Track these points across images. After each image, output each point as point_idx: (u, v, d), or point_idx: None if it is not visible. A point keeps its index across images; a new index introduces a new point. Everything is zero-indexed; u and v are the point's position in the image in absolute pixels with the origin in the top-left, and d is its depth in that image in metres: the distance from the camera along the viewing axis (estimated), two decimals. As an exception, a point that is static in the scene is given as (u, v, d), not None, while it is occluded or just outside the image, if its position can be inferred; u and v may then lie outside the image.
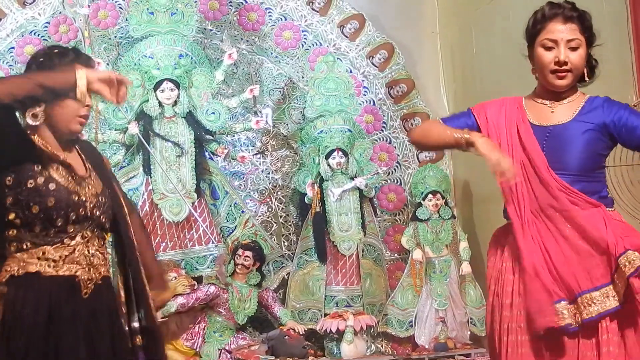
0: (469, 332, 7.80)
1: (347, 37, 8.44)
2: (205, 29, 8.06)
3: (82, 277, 3.19)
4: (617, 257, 3.30)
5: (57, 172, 3.20)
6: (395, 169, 8.47)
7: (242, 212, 7.96)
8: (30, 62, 3.35)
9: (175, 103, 7.48)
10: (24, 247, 3.14)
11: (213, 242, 7.54)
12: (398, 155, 8.47)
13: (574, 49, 3.45)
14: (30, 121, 3.19)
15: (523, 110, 3.67)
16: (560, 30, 3.45)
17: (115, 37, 7.86)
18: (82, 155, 3.41)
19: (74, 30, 7.67)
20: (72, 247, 3.20)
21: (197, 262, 7.52)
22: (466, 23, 8.57)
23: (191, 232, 7.52)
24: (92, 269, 3.24)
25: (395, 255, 8.35)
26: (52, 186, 3.16)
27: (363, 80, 8.44)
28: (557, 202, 3.42)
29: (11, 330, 3.05)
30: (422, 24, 9.08)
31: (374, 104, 8.46)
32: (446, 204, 7.95)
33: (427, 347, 7.66)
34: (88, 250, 3.24)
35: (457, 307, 7.74)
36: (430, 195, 7.90)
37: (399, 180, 8.47)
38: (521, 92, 7.86)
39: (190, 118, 7.52)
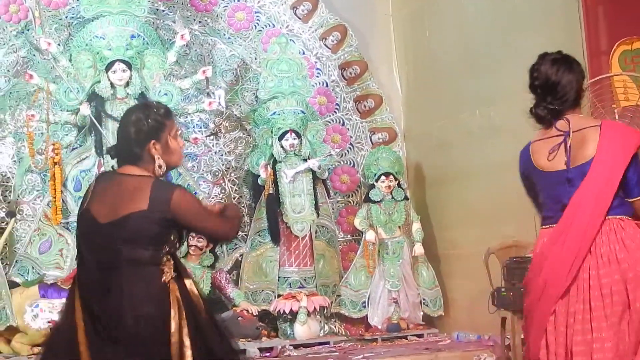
0: (421, 313, 7.86)
1: (300, 18, 8.42)
2: (157, 9, 8.00)
3: None
4: None
5: None
6: (348, 151, 8.49)
7: (195, 193, 7.92)
8: None
9: (127, 84, 7.44)
10: None
11: (166, 224, 7.50)
12: (351, 137, 8.48)
13: None
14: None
15: None
16: None
17: (67, 17, 7.76)
18: None
19: (24, 10, 7.57)
20: None
21: (150, 244, 7.48)
22: (419, 5, 8.59)
23: (144, 214, 7.48)
24: None
25: (349, 236, 8.37)
26: None
27: (316, 62, 8.44)
28: None
29: None
30: (375, 6, 9.07)
31: (327, 85, 8.46)
32: (399, 185, 7.98)
33: (380, 327, 7.71)
34: None
35: (409, 288, 7.79)
36: (383, 177, 7.92)
37: (352, 162, 8.49)
38: (470, 74, 7.87)
39: (143, 99, 7.48)
